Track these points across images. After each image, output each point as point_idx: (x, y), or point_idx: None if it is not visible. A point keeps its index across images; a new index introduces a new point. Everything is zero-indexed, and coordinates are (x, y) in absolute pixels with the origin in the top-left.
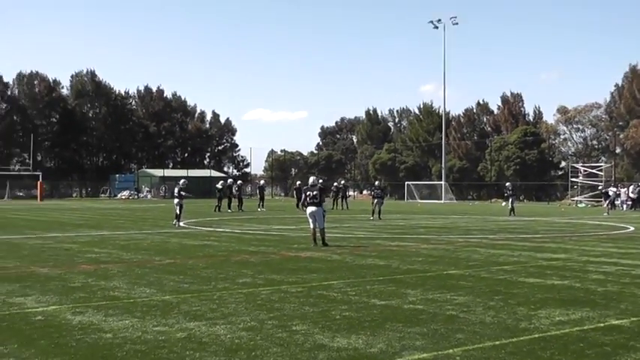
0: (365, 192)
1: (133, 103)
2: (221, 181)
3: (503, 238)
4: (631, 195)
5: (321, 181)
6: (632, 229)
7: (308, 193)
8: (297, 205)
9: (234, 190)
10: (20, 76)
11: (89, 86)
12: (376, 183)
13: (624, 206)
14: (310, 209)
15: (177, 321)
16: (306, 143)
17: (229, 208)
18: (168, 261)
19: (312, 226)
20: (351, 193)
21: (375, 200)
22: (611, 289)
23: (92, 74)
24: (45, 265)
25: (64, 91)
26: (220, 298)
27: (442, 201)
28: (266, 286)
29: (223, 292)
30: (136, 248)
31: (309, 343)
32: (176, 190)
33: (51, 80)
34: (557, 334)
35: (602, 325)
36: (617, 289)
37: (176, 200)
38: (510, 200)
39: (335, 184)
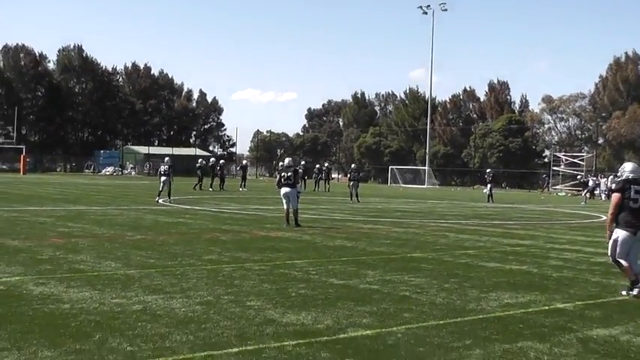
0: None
1: (120, 79)
2: (200, 160)
3: (475, 223)
4: (609, 185)
5: (303, 162)
6: (604, 218)
7: (282, 174)
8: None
9: (216, 169)
10: (6, 49)
11: (76, 61)
12: (352, 165)
13: (603, 196)
14: (284, 190)
15: (136, 294)
16: (295, 124)
17: (211, 187)
18: (139, 237)
19: (285, 206)
20: (334, 175)
21: (352, 183)
22: (566, 275)
23: (79, 49)
24: (16, 238)
25: (51, 65)
26: (183, 274)
27: (425, 186)
28: (230, 264)
29: (187, 268)
30: (109, 224)
31: (260, 318)
32: (163, 167)
33: (37, 54)
34: (501, 315)
35: (546, 308)
36: (572, 274)
37: (164, 178)
38: (489, 187)
39: (317, 165)
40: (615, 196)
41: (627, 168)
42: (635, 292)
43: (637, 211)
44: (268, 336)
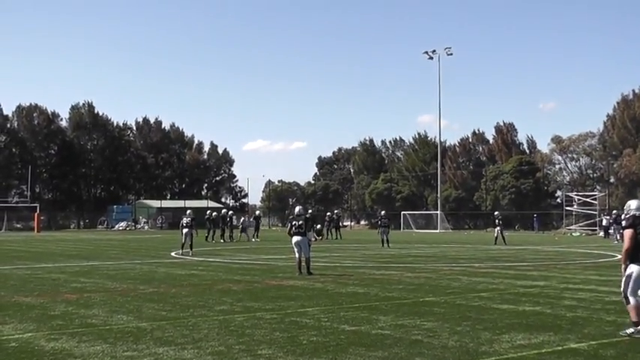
0: (362, 222)
1: (131, 134)
2: (208, 211)
3: (488, 266)
4: (608, 223)
5: (310, 211)
6: (619, 257)
7: (293, 222)
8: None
9: (226, 220)
10: (20, 109)
11: (87, 118)
12: (382, 212)
13: (617, 234)
14: (295, 239)
15: (148, 346)
16: (306, 173)
17: (222, 238)
18: (151, 290)
19: (297, 255)
20: (346, 223)
21: (381, 229)
22: (580, 315)
23: (90, 106)
24: (29, 295)
25: (63, 123)
26: (195, 325)
27: (438, 230)
28: (242, 313)
29: (199, 319)
30: (122, 277)
31: None
32: (186, 220)
33: (50, 112)
34: (514, 356)
35: (560, 348)
36: (587, 314)
37: (186, 230)
38: (499, 229)
39: (328, 213)
40: (628, 231)
41: (633, 206)
42: (629, 331)
43: None
44: None
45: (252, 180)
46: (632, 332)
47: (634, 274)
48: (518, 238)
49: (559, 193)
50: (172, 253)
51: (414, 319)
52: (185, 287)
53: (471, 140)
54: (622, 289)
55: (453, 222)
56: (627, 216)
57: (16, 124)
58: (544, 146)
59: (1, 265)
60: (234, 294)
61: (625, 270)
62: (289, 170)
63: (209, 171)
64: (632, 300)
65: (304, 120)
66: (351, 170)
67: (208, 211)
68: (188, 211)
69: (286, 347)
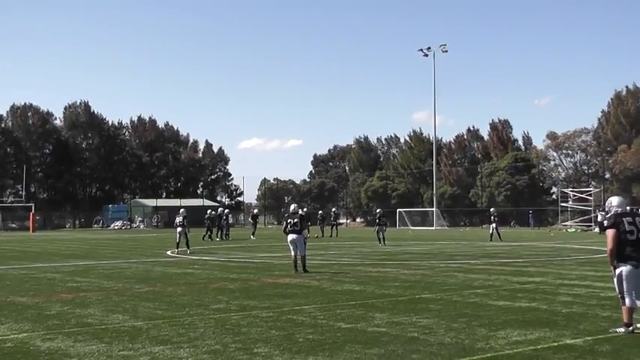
0: (358, 219)
1: (126, 133)
2: (209, 210)
3: (484, 263)
4: (600, 220)
5: (305, 209)
6: None
7: (289, 220)
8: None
9: (223, 219)
10: (14, 108)
11: (83, 117)
12: (378, 210)
13: None
14: (291, 237)
15: (143, 345)
16: (302, 171)
17: (218, 236)
18: (147, 289)
19: (293, 253)
20: (342, 220)
21: (378, 227)
22: (576, 311)
23: (86, 105)
24: (25, 295)
25: (58, 123)
26: (190, 324)
27: (434, 227)
28: (238, 312)
29: (195, 318)
30: (118, 277)
31: None
32: (178, 219)
33: (44, 112)
34: (510, 353)
35: (555, 344)
36: (582, 310)
37: (179, 229)
38: (494, 226)
39: (320, 211)
40: (610, 231)
41: (614, 202)
42: (620, 330)
43: (635, 243)
44: None
45: (247, 178)
46: (622, 332)
47: (624, 274)
48: (514, 235)
49: (554, 189)
50: (168, 252)
51: (410, 316)
52: (181, 286)
53: (466, 137)
54: (617, 290)
55: (448, 219)
56: (609, 214)
57: (10, 124)
58: (539, 142)
59: None
60: (230, 292)
61: (614, 270)
62: (285, 168)
63: (204, 169)
64: (627, 301)
65: (299, 118)
66: (347, 168)
67: (209, 210)
68: (181, 210)
69: (282, 345)
